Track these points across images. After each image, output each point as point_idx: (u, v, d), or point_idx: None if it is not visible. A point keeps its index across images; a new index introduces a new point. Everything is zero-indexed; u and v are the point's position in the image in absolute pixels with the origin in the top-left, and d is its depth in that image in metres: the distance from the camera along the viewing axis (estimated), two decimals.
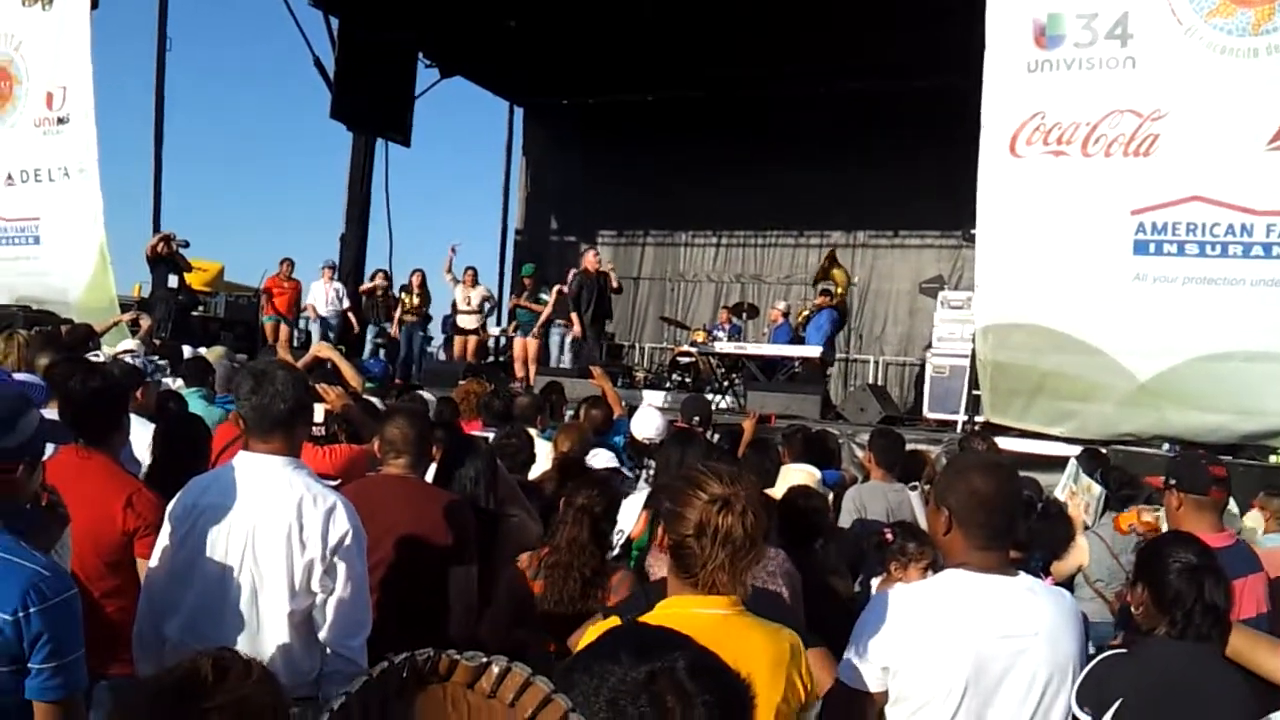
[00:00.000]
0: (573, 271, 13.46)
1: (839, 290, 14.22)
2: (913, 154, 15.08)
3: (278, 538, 2.87)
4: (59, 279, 13.24)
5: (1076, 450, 6.43)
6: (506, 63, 17.68)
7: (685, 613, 2.15)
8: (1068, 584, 4.86)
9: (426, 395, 7.86)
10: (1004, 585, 2.48)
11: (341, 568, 2.90)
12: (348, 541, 2.92)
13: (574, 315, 12.97)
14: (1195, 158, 8.45)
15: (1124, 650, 1.89)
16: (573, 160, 19.76)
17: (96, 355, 6.86)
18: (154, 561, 3.08)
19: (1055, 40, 8.99)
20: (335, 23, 16.32)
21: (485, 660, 0.72)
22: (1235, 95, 8.35)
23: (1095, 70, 8.86)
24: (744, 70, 16.17)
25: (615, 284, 13.24)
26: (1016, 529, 3.01)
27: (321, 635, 2.92)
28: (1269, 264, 8.27)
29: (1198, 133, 8.45)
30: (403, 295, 14.71)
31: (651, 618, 2.16)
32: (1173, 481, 3.64)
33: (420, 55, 17.93)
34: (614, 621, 2.28)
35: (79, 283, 13.15)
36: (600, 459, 5.31)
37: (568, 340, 13.73)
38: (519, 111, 20.35)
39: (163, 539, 3.05)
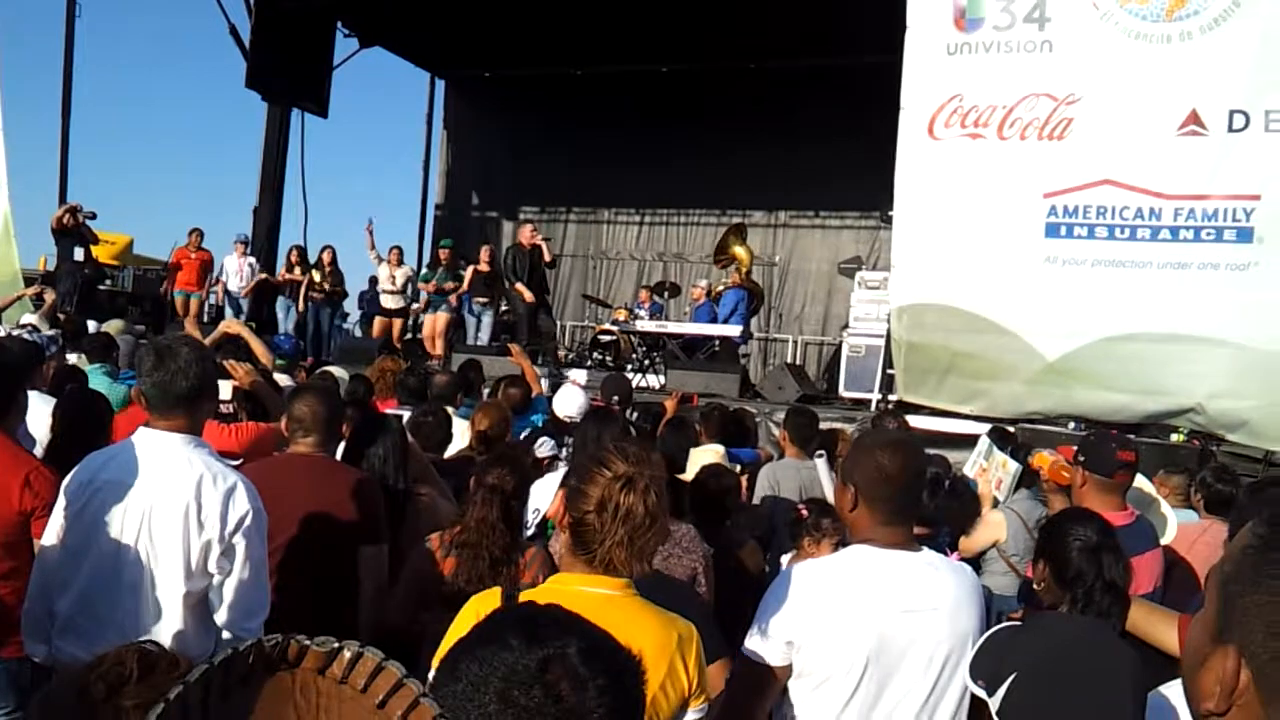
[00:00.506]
0: (506, 246, 13.33)
1: (742, 269, 14.35)
2: (835, 134, 15.17)
3: (175, 517, 2.79)
4: None
5: (986, 428, 6.54)
6: (427, 33, 17.39)
7: (571, 590, 2.13)
8: (975, 560, 4.96)
9: (337, 372, 7.72)
10: (907, 560, 2.50)
11: (240, 549, 2.84)
12: (247, 522, 2.85)
13: (519, 286, 12.79)
14: (1108, 142, 8.63)
15: (1018, 624, 1.91)
16: (495, 135, 19.53)
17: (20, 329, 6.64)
18: (48, 537, 2.98)
19: (975, 23, 9.11)
20: None
21: (337, 645, 0.69)
22: (1148, 80, 8.53)
23: (1013, 54, 9.00)
24: (668, 47, 16.11)
25: (548, 257, 13.03)
26: (921, 505, 3.05)
27: (218, 617, 2.86)
28: (1176, 247, 8.49)
29: (1111, 117, 8.63)
30: (312, 272, 14.42)
31: (537, 594, 2.14)
32: (1081, 459, 3.71)
33: (339, 24, 17.57)
34: (493, 595, 2.25)
35: None
36: (544, 449, 5.28)
37: (485, 319, 13.62)
38: (440, 84, 20.06)
39: (57, 514, 2.96)
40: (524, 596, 2.11)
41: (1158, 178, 8.45)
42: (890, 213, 9.97)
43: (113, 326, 8.36)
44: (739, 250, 14.43)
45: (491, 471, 3.42)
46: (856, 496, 2.54)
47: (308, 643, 0.67)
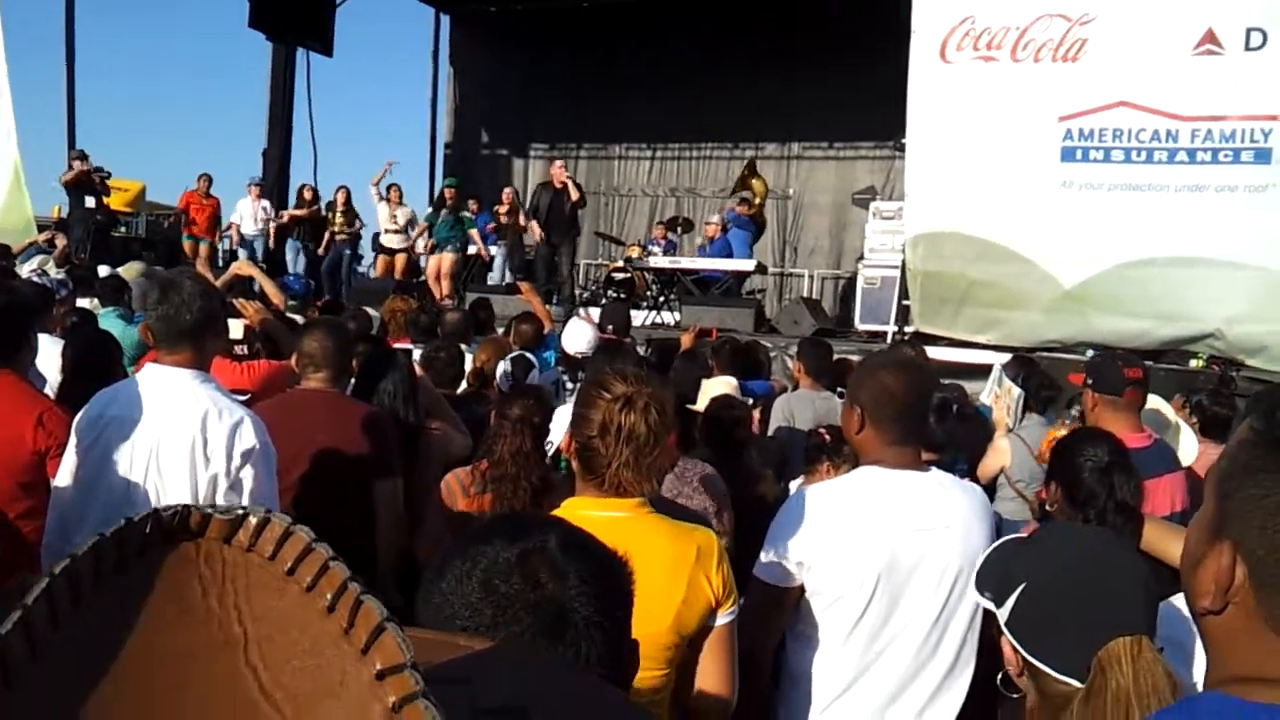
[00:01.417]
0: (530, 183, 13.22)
1: (756, 200, 14.23)
2: (847, 63, 14.93)
3: (181, 451, 2.81)
4: None
5: (1004, 358, 6.51)
6: None
7: (583, 514, 2.13)
8: (990, 485, 4.96)
9: (372, 311, 7.71)
10: (916, 480, 2.50)
11: (247, 482, 2.85)
12: (254, 456, 2.86)
13: (534, 224, 12.74)
14: (1123, 63, 8.49)
15: (1024, 536, 1.91)
16: (502, 70, 19.28)
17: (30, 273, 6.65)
18: (61, 475, 3.00)
19: None
20: None
21: (242, 511, 0.67)
22: (1163, 0, 8.36)
23: None
24: None
25: (575, 196, 12.71)
26: (928, 425, 3.04)
27: None
28: (1193, 169, 8.38)
29: (1125, 37, 8.47)
30: (329, 214, 14.39)
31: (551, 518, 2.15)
32: (1090, 382, 3.69)
33: None
34: None
35: None
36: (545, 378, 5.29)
37: (501, 256, 13.61)
38: (445, 19, 19.78)
39: (69, 452, 2.98)
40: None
41: (1174, 99, 8.31)
42: (904, 141, 9.85)
43: (132, 269, 8.37)
44: (756, 183, 14.30)
45: (516, 403, 3.41)
46: (863, 418, 2.53)
47: (209, 510, 0.65)
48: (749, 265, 12.77)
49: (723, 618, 2.18)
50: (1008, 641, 1.58)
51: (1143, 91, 8.44)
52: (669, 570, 2.11)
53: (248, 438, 2.86)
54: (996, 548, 1.78)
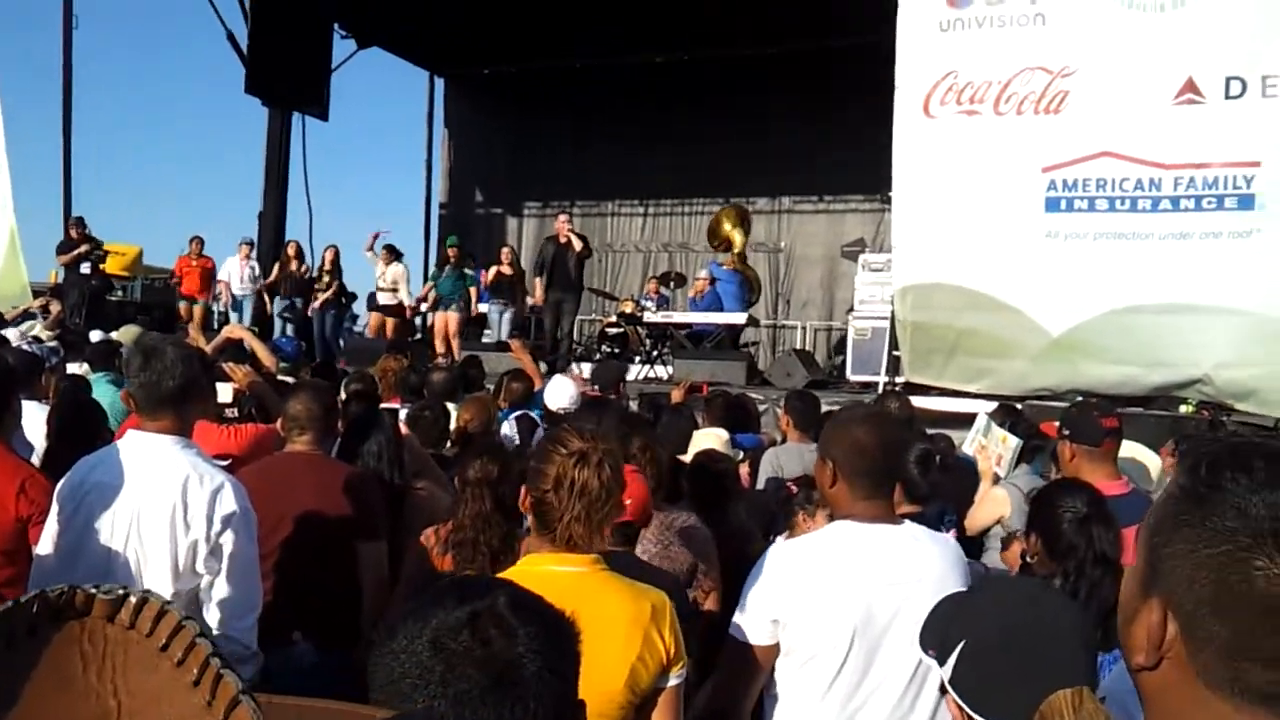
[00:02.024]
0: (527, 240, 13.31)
1: (735, 251, 14.35)
2: (835, 118, 15.14)
3: (162, 518, 2.81)
4: None
5: (991, 406, 6.52)
6: (425, 32, 17.41)
7: (541, 570, 2.15)
8: (979, 537, 4.95)
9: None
10: (889, 534, 2.51)
11: (227, 548, 2.84)
12: (234, 521, 2.85)
13: (536, 282, 12.84)
14: (1105, 113, 8.60)
15: (963, 592, 1.92)
16: (496, 131, 19.54)
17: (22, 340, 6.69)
18: (43, 543, 3.00)
19: None
20: None
21: (122, 592, 0.70)
22: (1143, 50, 8.49)
23: (1006, 28, 8.97)
24: (664, 37, 16.08)
25: (579, 247, 12.75)
26: (906, 477, 3.05)
27: (209, 617, 2.85)
28: (1177, 217, 8.45)
29: (1107, 88, 8.59)
30: (318, 275, 14.46)
31: (509, 574, 2.16)
32: (1066, 432, 3.70)
33: (336, 26, 17.59)
34: None
35: None
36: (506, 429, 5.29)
37: (505, 318, 13.65)
38: (439, 82, 20.05)
39: (51, 519, 2.98)
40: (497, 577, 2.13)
41: (1156, 148, 8.41)
42: (891, 194, 9.95)
43: (128, 333, 8.40)
44: (733, 233, 14.39)
45: (471, 465, 3.41)
46: (835, 472, 2.54)
47: (93, 590, 0.68)
48: (740, 318, 12.83)
49: (674, 678, 2.19)
50: (951, 700, 1.59)
51: (1125, 141, 8.54)
52: (625, 627, 2.13)
53: (228, 503, 2.86)
54: (937, 604, 1.78)
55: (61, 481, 3.01)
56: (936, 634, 1.65)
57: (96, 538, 2.85)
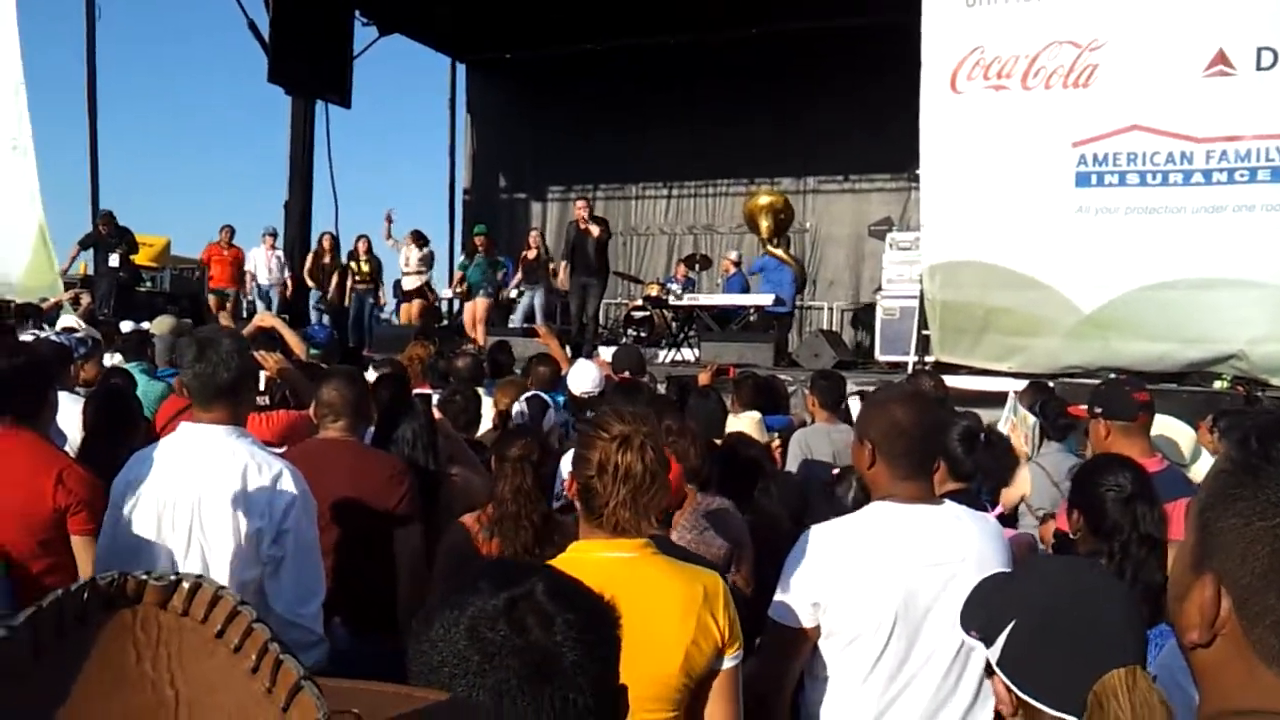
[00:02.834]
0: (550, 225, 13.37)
1: (765, 238, 14.29)
2: (859, 95, 15.06)
3: (224, 508, 2.82)
4: None
5: (1022, 385, 6.47)
6: (446, 18, 17.37)
7: (591, 557, 2.15)
8: (1012, 514, 4.93)
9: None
10: (930, 514, 2.49)
11: (290, 534, 2.85)
12: (296, 507, 2.87)
13: (561, 265, 12.94)
14: (1134, 86, 8.49)
15: (1007, 572, 1.89)
16: (518, 116, 19.52)
17: (36, 333, 6.74)
18: (102, 538, 3.03)
19: None
20: None
21: (175, 578, 0.69)
22: (1172, 23, 8.37)
23: (1032, 2, 8.88)
24: (686, 17, 15.98)
25: (597, 232, 12.74)
26: (949, 455, 3.02)
27: (274, 604, 2.86)
28: (1210, 190, 8.34)
29: (1136, 61, 8.48)
30: (350, 263, 14.53)
31: (558, 562, 2.15)
32: (1098, 410, 3.66)
33: (357, 13, 17.58)
34: None
35: (18, 264, 12.87)
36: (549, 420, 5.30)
37: (537, 301, 13.66)
38: (460, 68, 20.03)
39: (109, 515, 3.00)
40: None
41: (1187, 121, 8.30)
42: (918, 172, 9.87)
43: (162, 324, 8.44)
44: (762, 221, 14.30)
45: (513, 443, 3.41)
46: (874, 453, 2.52)
47: (144, 577, 0.68)
48: (766, 299, 12.77)
49: (729, 660, 2.18)
50: (1000, 681, 1.57)
51: (1155, 114, 8.43)
52: (679, 611, 2.12)
53: (288, 489, 2.88)
54: (980, 585, 1.76)
55: (117, 477, 3.02)
56: (981, 615, 1.63)
57: (158, 532, 2.86)
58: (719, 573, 2.35)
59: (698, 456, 3.49)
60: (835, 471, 4.28)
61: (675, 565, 2.22)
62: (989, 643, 1.57)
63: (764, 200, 14.54)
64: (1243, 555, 0.96)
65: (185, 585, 0.68)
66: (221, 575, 2.83)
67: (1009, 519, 4.95)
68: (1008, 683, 1.55)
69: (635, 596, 2.06)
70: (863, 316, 14.62)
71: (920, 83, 9.23)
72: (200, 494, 2.84)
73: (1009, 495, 4.89)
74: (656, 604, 2.11)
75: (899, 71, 10.13)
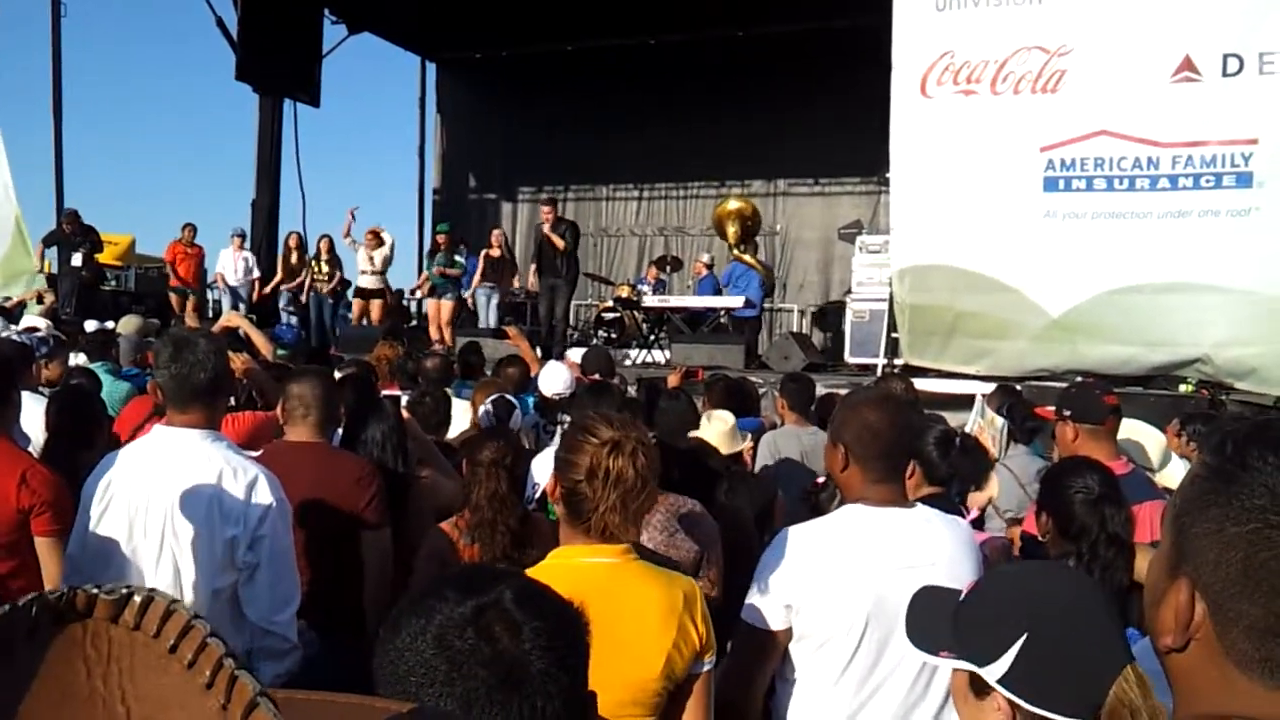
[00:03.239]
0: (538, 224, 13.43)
1: (730, 244, 14.33)
2: (829, 98, 15.13)
3: (198, 513, 2.79)
4: None
5: (990, 388, 6.51)
6: (415, 17, 17.31)
7: (574, 563, 2.14)
8: (980, 518, 4.95)
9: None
10: (902, 517, 2.49)
11: (266, 541, 2.83)
12: (272, 514, 2.84)
13: (532, 267, 12.99)
14: (1102, 92, 8.56)
15: (966, 589, 1.77)
16: (488, 116, 19.46)
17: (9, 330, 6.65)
18: (73, 542, 2.98)
19: None
20: None
21: (127, 591, 0.67)
22: (1139, 28, 8.45)
23: (1002, 7, 8.92)
24: (656, 18, 16.00)
25: (560, 246, 12.72)
26: (909, 460, 3.01)
27: (248, 611, 2.84)
28: (1176, 196, 8.42)
29: (1103, 67, 8.55)
30: (312, 263, 14.41)
31: (539, 569, 2.13)
32: (1067, 412, 3.68)
33: (326, 12, 17.49)
34: None
35: None
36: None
37: (492, 302, 13.60)
38: (431, 67, 19.97)
39: (81, 517, 2.95)
40: (529, 571, 2.10)
41: (1154, 126, 8.38)
42: (888, 175, 9.92)
43: (129, 323, 8.33)
44: (729, 227, 14.31)
45: (485, 446, 3.39)
46: (847, 455, 2.52)
47: (95, 591, 0.65)
48: (737, 302, 12.80)
49: (706, 664, 2.19)
50: (1002, 699, 1.49)
51: (1122, 120, 8.51)
52: (660, 616, 2.13)
53: (264, 496, 2.85)
54: (937, 602, 1.66)
55: (89, 479, 2.98)
56: (967, 633, 1.55)
57: (131, 536, 2.83)
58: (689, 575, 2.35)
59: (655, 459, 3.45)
60: (820, 480, 4.27)
61: (655, 570, 2.22)
62: (984, 661, 1.49)
63: (732, 205, 14.58)
64: (1216, 560, 0.96)
65: (137, 599, 0.66)
66: (194, 581, 2.80)
67: (976, 521, 4.97)
68: (1016, 699, 1.46)
69: (618, 602, 2.06)
70: (830, 318, 14.66)
71: (890, 86, 9.28)
72: (174, 499, 2.81)
73: (977, 498, 4.90)
74: (639, 609, 2.11)
75: (869, 75, 10.18)
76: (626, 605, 2.08)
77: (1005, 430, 5.29)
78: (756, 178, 17.69)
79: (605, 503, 2.11)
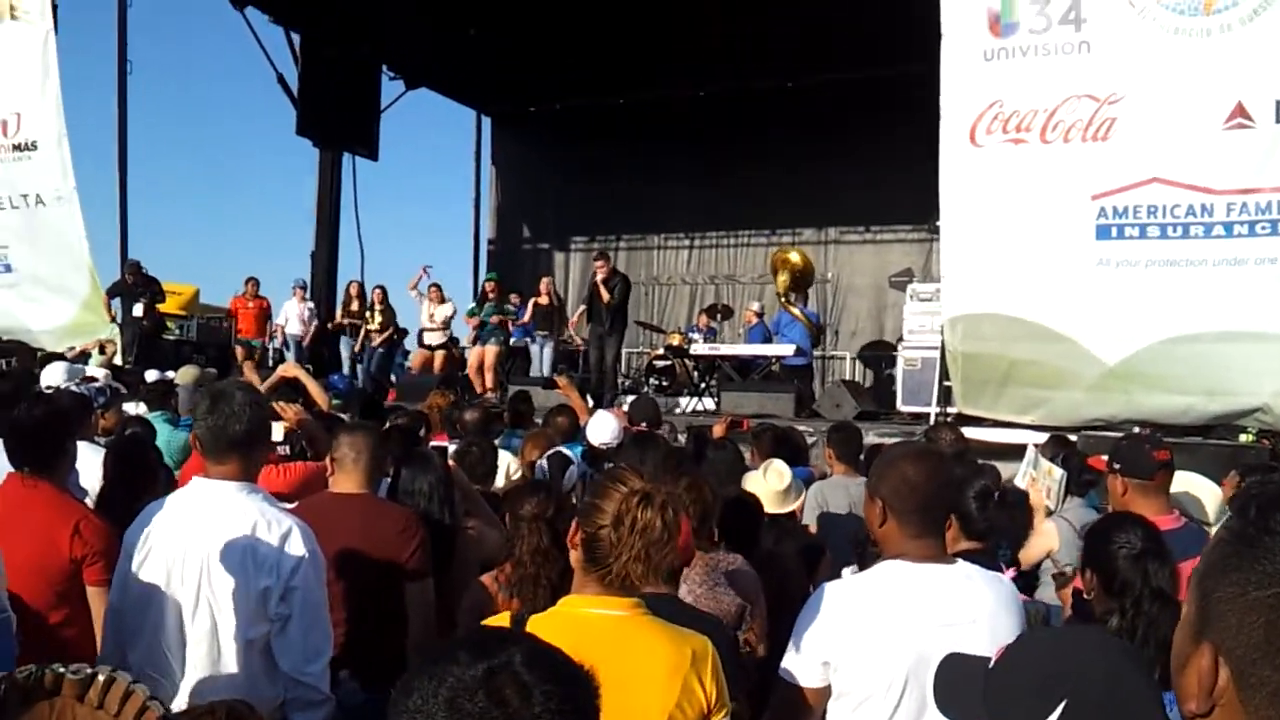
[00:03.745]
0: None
1: (779, 293, 14.31)
2: (880, 147, 15.14)
3: (233, 564, 2.83)
4: (35, 307, 13.15)
5: (1042, 438, 6.41)
6: (471, 72, 17.66)
7: (580, 613, 2.14)
8: (1033, 571, 4.86)
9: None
10: (942, 573, 2.47)
11: (298, 592, 2.85)
12: (304, 565, 2.87)
13: (575, 317, 12.96)
14: (1153, 140, 8.48)
15: (1013, 651, 1.74)
16: (542, 167, 19.75)
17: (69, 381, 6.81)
18: (114, 590, 3.04)
19: (1010, 28, 9.01)
20: (297, 39, 16.26)
21: (91, 671, 0.70)
22: (1190, 76, 8.37)
23: (1051, 56, 8.89)
24: (707, 70, 16.19)
25: (606, 299, 12.77)
26: (963, 514, 2.99)
27: (281, 662, 2.86)
28: (1231, 243, 8.29)
29: (1155, 115, 8.47)
30: (366, 313, 14.67)
31: (547, 616, 2.14)
32: (1116, 466, 3.64)
33: (384, 68, 17.89)
34: (502, 619, 2.24)
35: (66, 309, 13.07)
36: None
37: (546, 350, 13.69)
38: (486, 121, 20.32)
39: (121, 567, 3.01)
40: (533, 620, 2.10)
41: (1207, 173, 8.27)
42: (938, 223, 9.88)
43: (187, 374, 8.50)
44: (780, 275, 14.33)
45: (528, 501, 3.41)
46: (885, 510, 2.51)
47: (63, 670, 0.69)
48: (786, 350, 12.77)
49: None
50: None
51: (1175, 167, 8.41)
52: (664, 673, 2.10)
53: (297, 548, 2.88)
54: (967, 670, 1.64)
55: (130, 528, 3.04)
56: (1011, 706, 1.52)
57: (167, 586, 2.88)
58: (721, 630, 2.34)
59: (705, 513, 3.45)
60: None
61: (664, 626, 2.20)
62: None
63: (791, 256, 14.59)
64: (1239, 625, 0.96)
65: (101, 678, 0.70)
66: (229, 631, 2.84)
67: (1030, 577, 4.88)
68: None
69: (621, 656, 2.04)
70: (875, 363, 14.59)
71: (939, 135, 9.27)
72: (209, 550, 2.85)
73: (1030, 553, 4.83)
74: (642, 665, 2.09)
75: (919, 122, 10.19)
76: (630, 660, 2.06)
77: (1063, 481, 5.19)
78: (807, 225, 17.72)
79: (630, 551, 2.11)
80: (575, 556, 2.22)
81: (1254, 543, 0.97)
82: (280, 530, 2.88)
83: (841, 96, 15.59)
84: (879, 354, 15.09)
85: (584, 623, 2.07)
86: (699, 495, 3.43)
